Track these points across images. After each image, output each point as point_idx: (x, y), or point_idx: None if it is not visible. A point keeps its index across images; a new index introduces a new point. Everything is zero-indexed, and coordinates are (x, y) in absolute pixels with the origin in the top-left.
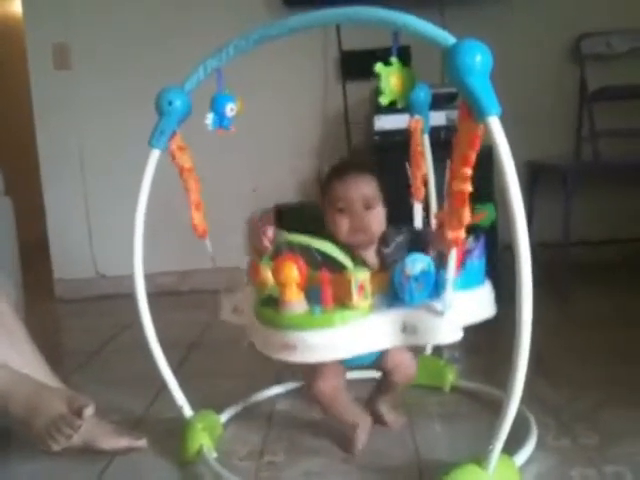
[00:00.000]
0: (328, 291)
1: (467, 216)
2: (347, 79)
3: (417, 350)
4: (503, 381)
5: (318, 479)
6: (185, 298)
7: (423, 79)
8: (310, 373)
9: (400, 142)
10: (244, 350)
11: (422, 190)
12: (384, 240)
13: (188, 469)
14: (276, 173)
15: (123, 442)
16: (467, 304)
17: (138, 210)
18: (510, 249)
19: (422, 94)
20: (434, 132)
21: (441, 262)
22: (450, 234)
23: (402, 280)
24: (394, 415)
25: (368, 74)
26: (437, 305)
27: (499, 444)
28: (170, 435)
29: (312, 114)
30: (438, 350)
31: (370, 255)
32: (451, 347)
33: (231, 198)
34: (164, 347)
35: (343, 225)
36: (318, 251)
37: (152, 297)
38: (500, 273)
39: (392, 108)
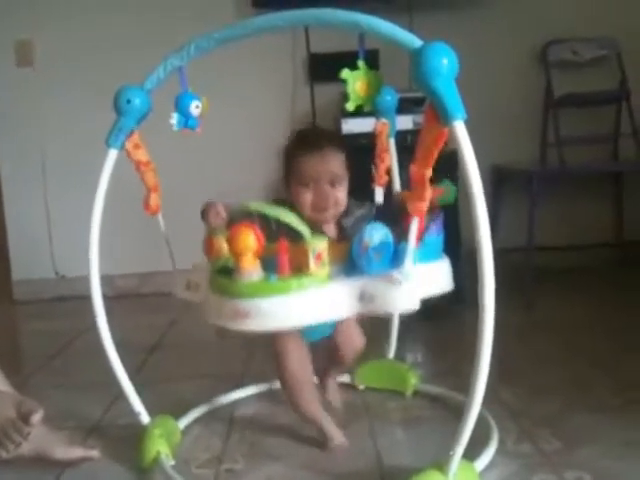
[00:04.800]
0: (285, 259)
1: (428, 191)
2: (315, 81)
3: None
4: (466, 385)
5: None
6: (146, 301)
7: (391, 83)
8: (278, 357)
9: (367, 145)
10: (207, 351)
11: (385, 178)
12: (345, 212)
13: (144, 477)
14: (242, 175)
15: (76, 452)
16: (425, 276)
17: (95, 210)
18: (474, 253)
19: (389, 98)
20: (400, 136)
21: (402, 234)
22: (411, 205)
23: (360, 250)
24: (337, 394)
25: (336, 77)
26: (396, 274)
27: (460, 449)
28: (127, 442)
29: (280, 116)
30: (401, 354)
31: (330, 227)
32: (414, 351)
33: (195, 200)
34: (124, 350)
35: (307, 200)
36: (276, 221)
37: (112, 300)
38: (464, 276)
39: (359, 112)
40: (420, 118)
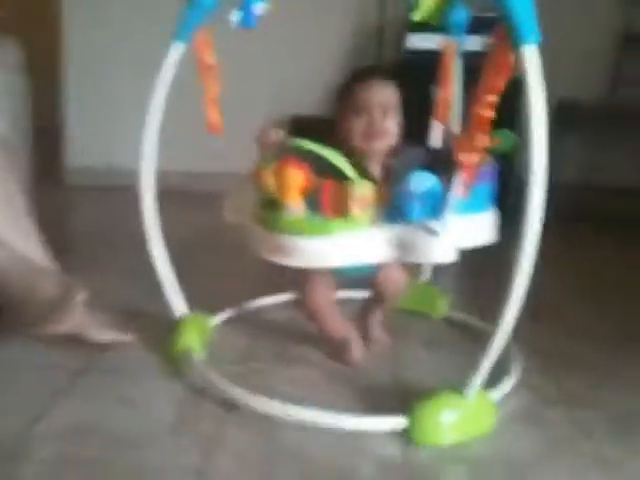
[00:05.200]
0: (328, 200)
1: (483, 141)
2: None
3: (412, 272)
4: (497, 313)
5: (301, 387)
6: (194, 198)
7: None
8: (304, 284)
9: (432, 65)
10: (249, 254)
11: (448, 115)
12: (393, 153)
13: (174, 369)
14: (300, 82)
15: (110, 334)
16: (466, 227)
17: (153, 106)
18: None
19: (460, 16)
20: (468, 57)
21: (451, 182)
22: (461, 156)
23: (406, 197)
24: (383, 334)
25: None
26: (434, 225)
27: (480, 376)
28: (164, 332)
29: (344, 24)
30: (434, 277)
31: (375, 166)
32: (448, 275)
33: (252, 103)
34: (169, 245)
35: (359, 127)
36: (324, 160)
37: (163, 195)
38: (509, 199)
39: (427, 27)
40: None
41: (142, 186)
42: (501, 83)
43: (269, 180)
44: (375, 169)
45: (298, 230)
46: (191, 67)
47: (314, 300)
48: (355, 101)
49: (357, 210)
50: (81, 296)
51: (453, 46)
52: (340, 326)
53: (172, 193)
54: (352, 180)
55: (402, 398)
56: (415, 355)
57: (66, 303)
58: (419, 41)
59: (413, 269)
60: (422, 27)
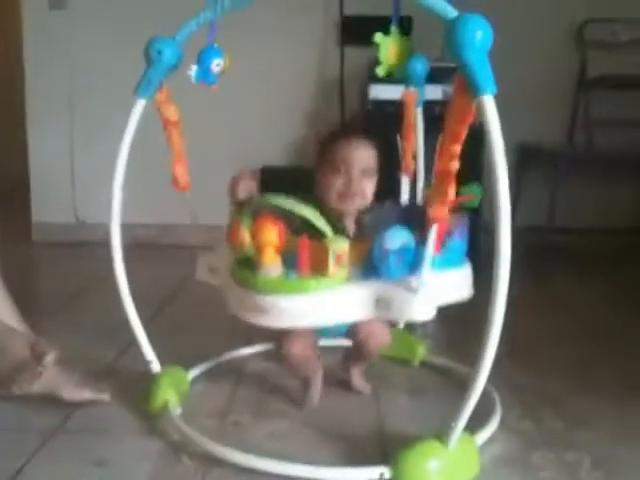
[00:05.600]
0: (305, 257)
1: (451, 194)
2: (346, 44)
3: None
4: (474, 358)
5: (281, 442)
6: (165, 252)
7: (423, 51)
8: (282, 336)
9: (394, 113)
10: (220, 307)
11: (411, 165)
12: (367, 209)
13: (151, 424)
14: (265, 134)
15: (86, 394)
16: (444, 283)
17: (119, 160)
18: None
19: (419, 66)
20: (429, 106)
21: (425, 239)
22: (432, 211)
23: (381, 253)
24: (364, 382)
25: (368, 41)
26: (412, 282)
27: (461, 422)
28: (137, 388)
29: (307, 77)
30: (411, 323)
31: (350, 222)
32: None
33: (217, 156)
34: (140, 300)
35: (336, 186)
36: (299, 216)
37: (131, 249)
38: (480, 250)
39: (389, 78)
40: (450, 89)
41: (112, 241)
42: (463, 131)
43: (245, 238)
44: (350, 226)
45: (276, 289)
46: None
47: (290, 352)
48: (335, 159)
49: (335, 268)
50: (51, 356)
51: (413, 96)
52: (308, 367)
53: (142, 247)
54: (329, 237)
55: (385, 448)
56: (397, 402)
57: (35, 364)
58: (381, 92)
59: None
60: (383, 78)
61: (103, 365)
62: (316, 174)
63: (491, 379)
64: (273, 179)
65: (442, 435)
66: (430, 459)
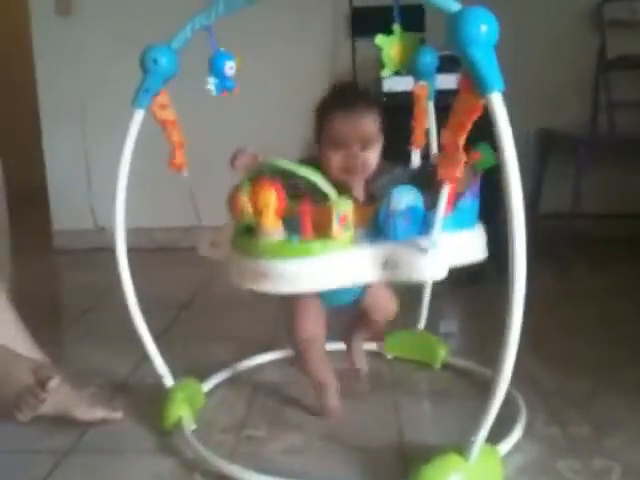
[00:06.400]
0: (308, 221)
1: (461, 156)
2: (357, 36)
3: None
4: (496, 359)
5: (297, 458)
6: (184, 255)
7: (438, 40)
8: (291, 315)
9: (408, 105)
10: (239, 311)
11: (422, 140)
12: (376, 174)
13: (165, 440)
14: (278, 133)
15: (98, 413)
16: (455, 244)
17: (120, 171)
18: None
19: (428, 59)
20: (442, 96)
21: (435, 199)
22: (442, 171)
23: (387, 214)
24: (363, 358)
25: (379, 31)
26: (422, 242)
27: (482, 434)
28: (151, 403)
29: (319, 71)
30: (432, 324)
31: (358, 188)
32: (446, 322)
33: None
34: (156, 306)
35: (335, 162)
36: (303, 180)
37: (151, 252)
38: (503, 241)
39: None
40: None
41: (119, 259)
42: (469, 124)
43: (245, 204)
44: (357, 190)
45: (277, 253)
46: None
47: (302, 330)
48: (332, 133)
49: (339, 230)
50: (55, 381)
51: (425, 88)
52: (322, 369)
53: (161, 250)
54: (332, 199)
55: (405, 460)
56: (418, 409)
57: (38, 390)
58: (395, 84)
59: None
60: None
61: (118, 379)
62: (316, 143)
63: (514, 380)
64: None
65: (462, 448)
66: (450, 475)
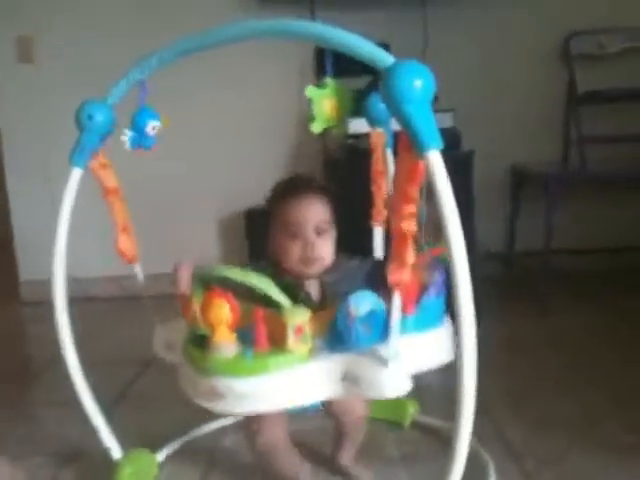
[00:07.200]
0: (262, 332)
1: (409, 258)
2: (322, 76)
3: None
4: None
5: None
6: (154, 303)
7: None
8: (250, 420)
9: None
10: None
11: (383, 214)
12: (332, 268)
13: None
14: (250, 178)
15: None
16: (420, 348)
17: (59, 231)
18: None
19: (382, 105)
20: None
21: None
22: (390, 276)
23: (346, 321)
24: (360, 468)
25: (346, 71)
26: (382, 351)
27: None
28: (99, 477)
29: (288, 115)
30: None
31: (314, 286)
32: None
33: (201, 199)
34: (119, 362)
35: (295, 253)
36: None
37: (120, 301)
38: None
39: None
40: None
41: (59, 329)
42: (414, 191)
43: (196, 313)
44: (313, 291)
45: (232, 371)
46: None
47: (262, 434)
48: (287, 222)
49: (295, 342)
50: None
51: (382, 135)
52: (288, 466)
53: (130, 298)
54: (286, 309)
55: None
56: (388, 476)
57: None
58: (360, 126)
59: None
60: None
61: (70, 445)
62: (270, 235)
63: (484, 438)
64: (259, 221)
65: None
66: None
